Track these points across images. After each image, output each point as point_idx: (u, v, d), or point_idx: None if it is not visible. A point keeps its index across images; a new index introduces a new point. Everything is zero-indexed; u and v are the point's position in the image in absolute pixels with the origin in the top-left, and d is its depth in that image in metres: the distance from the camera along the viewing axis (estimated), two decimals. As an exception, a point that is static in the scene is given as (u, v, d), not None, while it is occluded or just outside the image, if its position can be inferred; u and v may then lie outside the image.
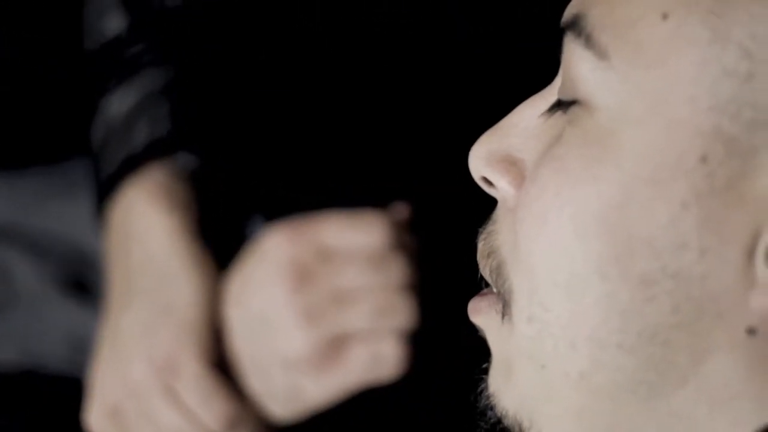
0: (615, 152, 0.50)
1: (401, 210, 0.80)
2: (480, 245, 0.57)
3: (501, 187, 0.55)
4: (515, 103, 0.56)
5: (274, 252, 0.77)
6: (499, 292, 0.55)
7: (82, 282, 1.10)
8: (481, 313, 0.57)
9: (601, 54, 0.51)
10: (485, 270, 0.57)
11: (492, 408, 0.57)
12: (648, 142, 0.49)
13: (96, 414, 0.83)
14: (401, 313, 0.75)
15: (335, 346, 0.76)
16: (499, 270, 0.55)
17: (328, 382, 0.76)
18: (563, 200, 0.51)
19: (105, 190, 0.87)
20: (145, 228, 0.83)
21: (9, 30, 1.09)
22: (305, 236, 0.77)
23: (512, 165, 0.55)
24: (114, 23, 0.90)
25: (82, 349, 1.13)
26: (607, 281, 0.50)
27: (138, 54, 0.88)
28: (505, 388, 0.57)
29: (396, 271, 0.76)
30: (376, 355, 0.75)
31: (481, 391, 0.58)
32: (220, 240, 0.85)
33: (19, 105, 1.09)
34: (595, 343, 0.51)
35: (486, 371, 0.58)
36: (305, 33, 0.92)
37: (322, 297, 0.76)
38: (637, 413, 0.52)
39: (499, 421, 0.56)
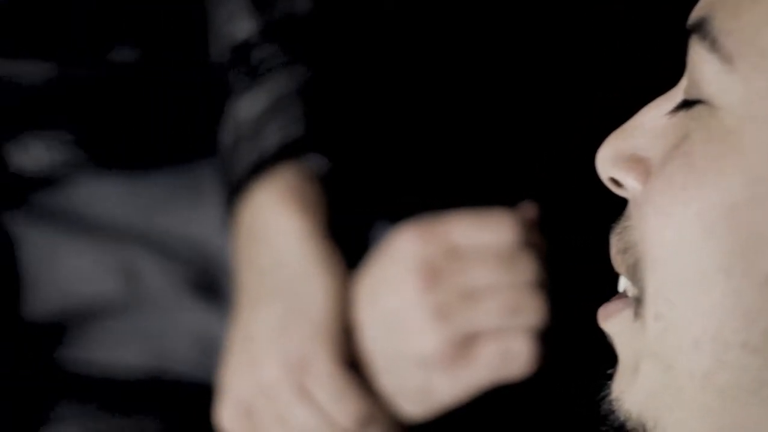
0: (739, 151, 0.50)
1: (530, 209, 0.79)
2: (614, 242, 0.57)
3: (628, 184, 0.55)
4: (642, 103, 0.56)
5: (404, 251, 0.77)
6: (633, 291, 0.55)
7: (210, 284, 1.11)
8: (611, 318, 0.57)
9: (725, 58, 0.51)
10: (621, 267, 0.56)
11: (615, 412, 0.57)
12: None
13: (228, 414, 0.84)
14: (531, 311, 0.75)
15: (466, 344, 0.76)
16: (635, 266, 0.55)
17: (458, 380, 0.76)
18: (690, 195, 0.51)
19: (235, 192, 0.88)
20: (275, 230, 0.84)
21: (136, 32, 1.11)
22: (435, 235, 0.77)
23: (638, 163, 0.55)
24: (243, 27, 0.91)
25: (209, 350, 1.14)
26: (732, 278, 0.50)
27: (267, 57, 0.89)
28: (630, 389, 0.56)
29: (525, 270, 0.76)
30: (507, 353, 0.75)
31: (605, 396, 0.57)
32: (347, 242, 0.86)
33: (146, 107, 1.11)
34: (719, 342, 0.51)
35: (610, 377, 0.58)
36: (432, 35, 0.92)
37: (452, 295, 0.76)
38: (761, 414, 0.51)
39: (623, 424, 0.56)
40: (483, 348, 0.75)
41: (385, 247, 0.80)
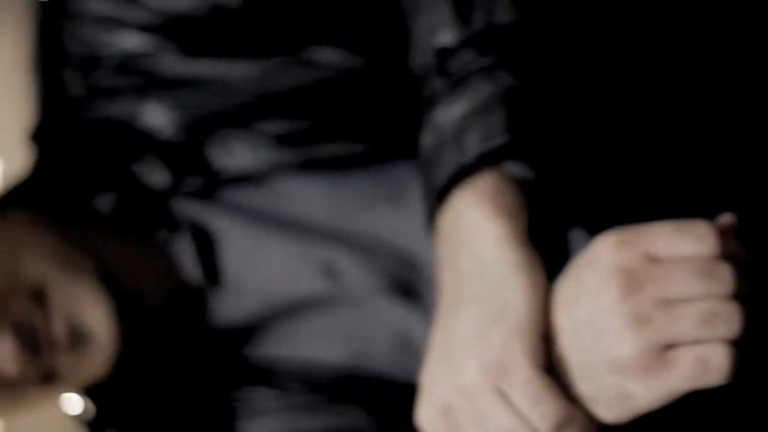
0: None
1: (729, 220, 0.79)
2: None
3: None
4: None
5: (604, 259, 0.78)
6: None
7: (408, 284, 1.13)
8: None
9: None
10: None
11: None
12: None
13: (427, 413, 0.86)
14: (729, 323, 0.75)
15: (663, 352, 0.76)
16: None
17: (655, 387, 0.76)
18: None
19: (436, 197, 0.89)
20: (476, 236, 0.85)
21: (340, 34, 1.13)
22: (635, 244, 0.77)
23: None
24: (445, 36, 0.92)
25: (407, 350, 1.16)
26: None
27: (468, 64, 0.90)
28: None
29: (724, 281, 0.75)
30: (704, 362, 0.75)
31: None
32: (546, 250, 0.87)
33: (348, 108, 1.13)
34: None
35: None
36: (632, 42, 0.92)
37: (650, 304, 0.76)
38: None
39: None
40: (680, 356, 0.76)
41: (584, 255, 0.80)
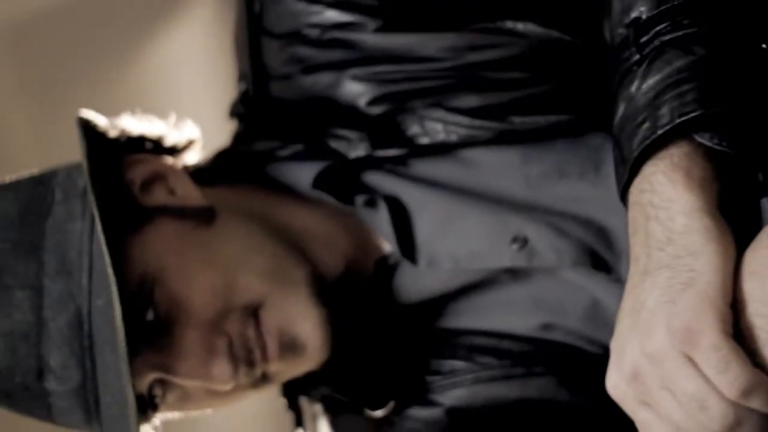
0: None
1: None
2: None
3: None
4: None
5: None
6: None
7: (600, 255, 1.13)
8: None
9: None
10: None
11: None
12: None
13: (616, 379, 0.87)
14: None
15: None
16: None
17: None
18: None
19: (628, 167, 0.90)
20: (666, 204, 0.86)
21: (539, 8, 1.15)
22: None
23: None
24: (640, 9, 0.92)
25: (597, 320, 1.17)
26: None
27: (662, 35, 0.90)
28: None
29: None
30: None
31: None
32: (736, 219, 0.87)
33: (545, 80, 1.15)
34: None
35: None
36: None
37: None
38: None
39: None
40: None
41: None
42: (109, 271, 1.05)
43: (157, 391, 1.13)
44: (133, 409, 1.04)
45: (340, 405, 1.30)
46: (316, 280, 1.16)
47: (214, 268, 1.14)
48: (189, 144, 1.26)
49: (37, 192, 1.13)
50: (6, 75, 2.21)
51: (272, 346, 1.13)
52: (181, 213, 1.18)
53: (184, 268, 1.13)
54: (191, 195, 1.20)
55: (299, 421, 1.34)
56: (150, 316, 1.10)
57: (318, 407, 1.34)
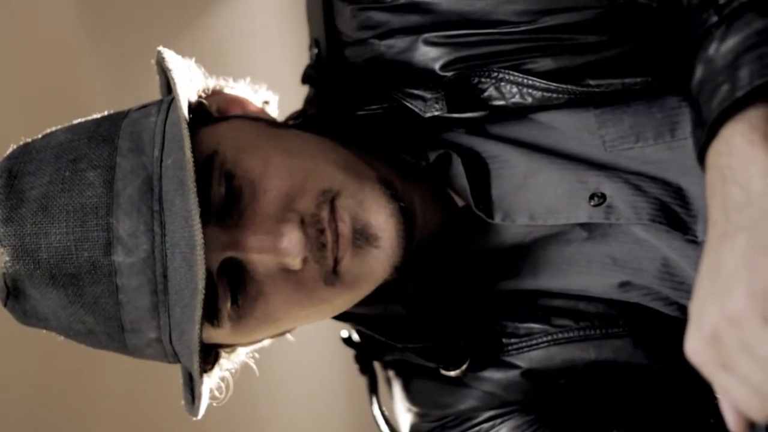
0: None
1: None
2: None
3: None
4: None
5: None
6: None
7: (676, 216, 1.13)
8: None
9: None
10: None
11: None
12: None
13: (695, 341, 0.86)
14: None
15: None
16: None
17: None
18: None
19: (706, 130, 0.90)
20: (745, 166, 0.85)
21: None
22: None
23: None
24: None
25: (674, 281, 1.16)
26: None
27: None
28: None
29: None
30: None
31: None
32: None
33: (612, 44, 1.14)
34: None
35: None
36: None
37: None
38: None
39: None
40: None
41: None
42: (184, 129, 1.05)
43: (230, 284, 1.10)
44: (202, 279, 1.01)
45: (413, 369, 1.30)
46: (391, 189, 1.16)
47: (291, 154, 1.14)
48: (264, 104, 1.27)
49: (113, 114, 1.15)
50: (81, 38, 2.23)
51: (345, 229, 1.11)
52: (255, 119, 1.21)
53: (260, 150, 1.13)
54: (266, 114, 1.24)
55: (373, 386, 1.35)
56: (221, 190, 1.09)
57: (391, 372, 1.35)
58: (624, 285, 1.19)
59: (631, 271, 1.18)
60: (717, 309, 0.84)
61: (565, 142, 1.17)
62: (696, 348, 0.86)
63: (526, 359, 1.23)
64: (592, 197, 1.14)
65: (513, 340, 1.23)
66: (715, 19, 0.91)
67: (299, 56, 1.34)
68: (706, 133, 0.90)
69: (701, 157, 0.92)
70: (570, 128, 1.16)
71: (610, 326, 1.19)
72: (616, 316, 1.20)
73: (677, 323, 0.91)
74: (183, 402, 1.16)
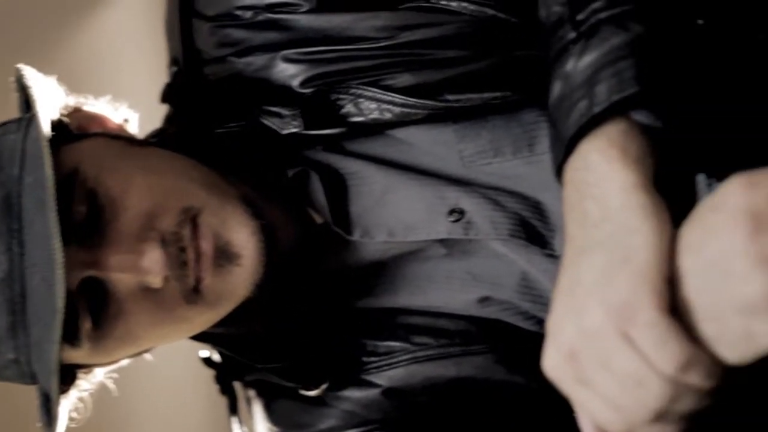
0: None
1: None
2: None
3: None
4: None
5: (731, 200, 0.77)
6: None
7: (534, 231, 1.14)
8: None
9: None
10: None
11: None
12: None
13: (553, 358, 0.86)
14: None
15: None
16: None
17: None
18: None
19: (564, 145, 0.90)
20: (602, 182, 0.86)
21: None
22: (763, 185, 0.76)
23: None
24: None
25: (532, 296, 1.17)
26: None
27: (598, 13, 0.90)
28: None
29: None
30: None
31: None
32: (671, 195, 0.87)
33: (471, 58, 1.14)
34: None
35: None
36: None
37: None
38: None
39: None
40: None
41: (711, 198, 0.80)
42: (44, 147, 1.03)
43: (90, 303, 1.08)
44: (62, 299, 1.00)
45: (273, 389, 1.29)
46: (252, 205, 1.15)
47: (152, 172, 1.13)
48: (124, 122, 1.25)
49: None
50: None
51: (206, 247, 1.10)
52: (116, 137, 1.19)
53: (120, 169, 1.12)
54: (126, 131, 1.22)
55: (233, 407, 1.33)
56: (82, 209, 1.07)
57: (252, 392, 1.34)
58: (484, 300, 1.19)
59: (490, 286, 1.18)
60: (574, 324, 0.84)
61: (423, 158, 1.17)
62: (553, 364, 0.86)
63: (386, 378, 1.22)
64: (450, 213, 1.15)
65: (373, 359, 1.22)
66: (573, 35, 0.91)
67: (160, 75, 1.32)
68: (564, 149, 0.90)
69: (559, 173, 0.92)
70: (429, 144, 1.16)
71: (470, 343, 1.20)
72: (476, 333, 1.20)
73: (537, 338, 0.91)
74: (39, 424, 1.14)
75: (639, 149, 0.86)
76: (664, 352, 0.79)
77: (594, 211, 0.85)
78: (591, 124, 0.88)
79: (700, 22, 0.89)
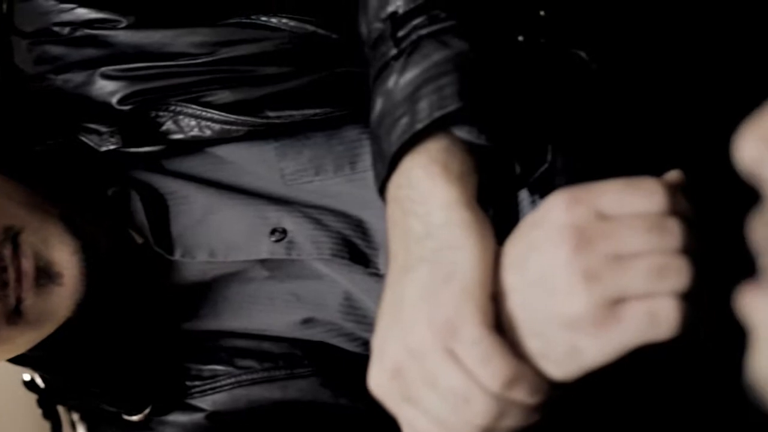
0: None
1: (676, 176, 0.79)
2: (757, 229, 0.56)
3: None
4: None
5: (554, 216, 0.77)
6: None
7: (358, 250, 1.13)
8: (751, 297, 0.56)
9: None
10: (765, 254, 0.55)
11: (758, 390, 0.56)
12: None
13: (378, 376, 0.85)
14: (678, 275, 0.74)
15: (613, 307, 0.75)
16: None
17: (605, 342, 0.76)
18: None
19: (387, 162, 0.89)
20: (425, 199, 0.85)
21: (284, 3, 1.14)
22: (585, 201, 0.77)
23: None
24: (396, 3, 0.91)
25: (356, 316, 1.17)
26: None
27: (419, 29, 0.89)
28: None
29: (673, 235, 0.75)
30: (653, 315, 0.75)
31: (743, 371, 0.57)
32: (495, 211, 0.87)
33: (292, 73, 1.13)
34: None
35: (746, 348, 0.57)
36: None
37: (601, 259, 0.75)
38: None
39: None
40: (630, 310, 0.75)
41: (534, 214, 0.80)
42: None
43: None
44: None
45: (97, 413, 1.27)
46: (73, 225, 1.13)
47: None
48: None
49: None
50: None
51: (27, 266, 1.08)
52: None
53: None
54: None
55: (57, 431, 1.30)
56: None
57: (76, 416, 1.31)
58: (307, 322, 1.18)
59: (314, 307, 1.18)
60: (399, 342, 0.83)
61: (245, 177, 1.16)
62: (379, 382, 0.85)
63: (211, 402, 1.21)
64: (272, 233, 1.14)
65: (197, 383, 1.21)
66: (394, 51, 0.90)
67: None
68: (386, 166, 0.89)
69: (382, 190, 0.91)
70: (250, 162, 1.15)
71: (295, 366, 1.19)
72: (300, 356, 1.19)
73: (362, 360, 0.90)
74: None
75: (462, 165, 0.86)
76: (488, 368, 0.79)
77: (417, 228, 0.85)
78: (413, 141, 0.87)
79: (521, 38, 0.90)
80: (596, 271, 0.76)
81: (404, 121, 0.87)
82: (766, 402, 0.56)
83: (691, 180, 0.80)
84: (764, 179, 0.56)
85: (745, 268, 0.59)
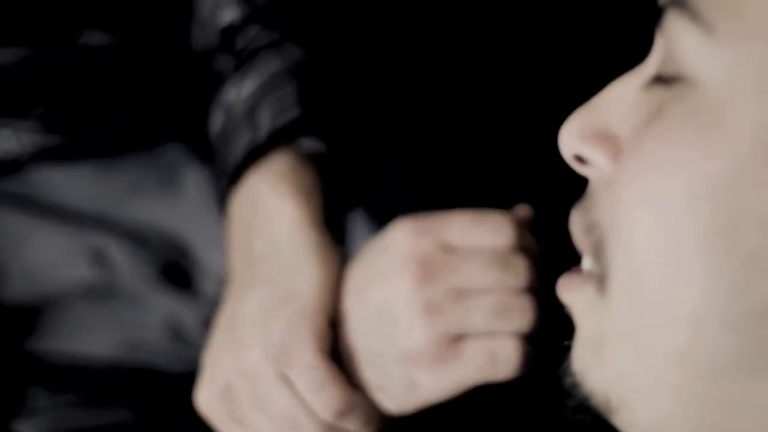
0: (724, 127, 0.49)
1: (525, 211, 0.79)
2: (576, 221, 0.57)
3: (596, 161, 0.55)
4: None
5: (398, 245, 0.76)
6: (596, 268, 0.55)
7: (180, 272, 1.10)
8: (572, 290, 0.57)
9: (707, 28, 0.49)
10: (584, 245, 0.56)
11: (578, 386, 0.56)
12: (756, 116, 0.48)
13: (207, 394, 0.83)
14: (520, 315, 0.74)
15: (453, 343, 0.75)
16: (599, 245, 0.54)
17: (443, 378, 0.75)
18: (669, 173, 0.50)
19: (228, 179, 0.87)
20: (270, 216, 0.83)
21: (107, 16, 1.10)
22: (430, 231, 0.76)
23: (607, 139, 0.55)
24: (229, 13, 0.90)
25: (180, 339, 1.14)
26: (712, 256, 0.49)
27: (255, 39, 0.88)
28: (596, 366, 0.56)
29: (518, 273, 0.75)
30: (493, 355, 0.74)
31: (566, 369, 0.58)
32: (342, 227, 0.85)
33: (117, 92, 1.09)
34: (697, 320, 0.50)
35: (569, 349, 0.58)
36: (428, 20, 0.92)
37: (443, 293, 0.74)
38: (736, 393, 0.51)
39: (586, 399, 0.56)
40: (470, 348, 0.74)
41: (379, 240, 0.79)
42: None
43: None
44: None
45: None
46: None
47: None
48: None
49: None
50: None
51: None
52: None
53: None
54: None
55: None
56: None
57: None
58: (127, 345, 1.15)
59: (133, 331, 1.14)
60: (232, 361, 0.81)
61: (62, 196, 1.12)
62: (207, 400, 0.83)
63: (31, 426, 1.16)
64: (90, 256, 1.11)
65: (18, 407, 1.17)
66: (230, 63, 0.89)
67: None
68: (228, 182, 0.87)
69: (223, 207, 0.89)
70: (67, 181, 1.11)
71: (117, 390, 1.15)
72: (122, 380, 1.16)
73: (186, 382, 0.88)
74: None
75: (308, 181, 0.84)
76: (320, 396, 0.77)
77: (261, 246, 0.83)
78: (256, 155, 0.85)
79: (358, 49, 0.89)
80: (438, 305, 0.75)
81: (245, 134, 0.86)
82: (583, 389, 0.56)
83: (536, 215, 0.79)
84: (584, 173, 0.57)
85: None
